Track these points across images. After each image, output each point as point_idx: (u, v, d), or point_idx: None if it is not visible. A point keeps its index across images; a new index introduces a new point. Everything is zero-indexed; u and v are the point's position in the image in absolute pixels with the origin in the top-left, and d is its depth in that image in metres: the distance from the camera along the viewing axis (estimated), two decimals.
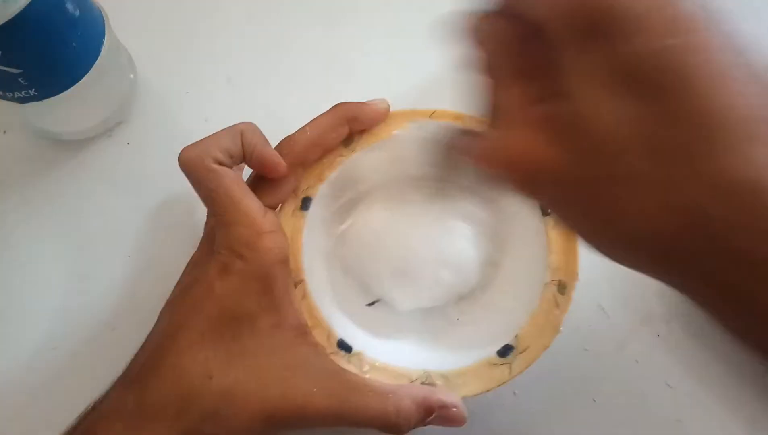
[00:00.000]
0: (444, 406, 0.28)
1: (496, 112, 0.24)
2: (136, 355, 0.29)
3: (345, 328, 0.32)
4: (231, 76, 0.41)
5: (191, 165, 0.29)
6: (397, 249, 0.33)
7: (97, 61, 0.35)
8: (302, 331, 0.29)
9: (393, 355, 0.31)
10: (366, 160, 0.33)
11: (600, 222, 0.21)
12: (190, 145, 0.29)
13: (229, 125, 0.30)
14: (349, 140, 0.33)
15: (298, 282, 0.31)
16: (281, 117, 0.35)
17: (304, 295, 0.31)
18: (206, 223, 0.34)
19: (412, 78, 0.40)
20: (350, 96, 0.37)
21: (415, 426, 0.28)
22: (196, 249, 0.34)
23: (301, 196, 0.32)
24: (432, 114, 0.33)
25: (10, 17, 0.29)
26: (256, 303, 0.28)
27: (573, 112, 0.20)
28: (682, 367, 0.34)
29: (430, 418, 0.28)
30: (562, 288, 0.31)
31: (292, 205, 0.32)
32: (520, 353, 0.30)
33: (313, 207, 0.32)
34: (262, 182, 0.31)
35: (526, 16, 0.21)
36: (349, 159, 0.33)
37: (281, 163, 0.30)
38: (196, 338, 0.27)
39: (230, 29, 0.42)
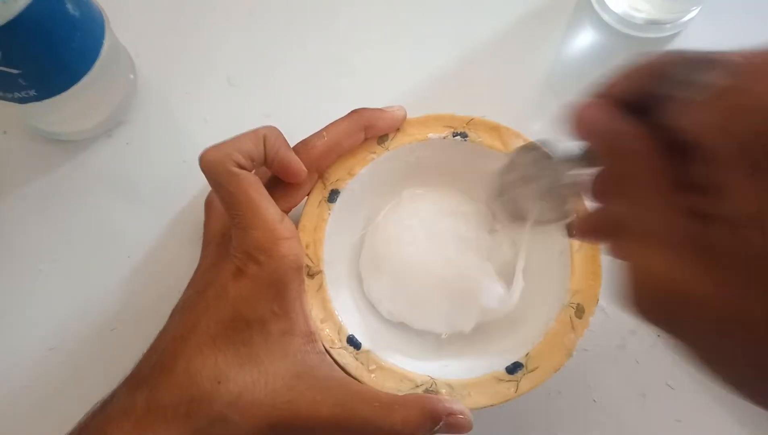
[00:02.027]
0: (452, 414, 0.28)
1: (626, 227, 0.21)
2: (147, 355, 0.29)
3: (357, 324, 0.32)
4: (231, 76, 0.41)
5: (213, 167, 0.28)
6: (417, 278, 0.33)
7: (97, 62, 0.35)
8: (311, 339, 0.29)
9: (401, 357, 0.31)
10: (398, 162, 0.34)
11: (759, 370, 0.18)
12: (213, 146, 0.29)
13: (229, 126, 0.30)
14: (383, 138, 0.33)
15: (316, 273, 0.31)
16: (281, 117, 0.35)
17: (320, 287, 0.31)
18: (206, 224, 0.34)
19: (412, 78, 0.40)
20: (350, 96, 0.37)
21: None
22: (194, 247, 0.34)
23: (330, 187, 0.32)
24: (469, 121, 0.33)
25: (10, 18, 0.29)
26: (269, 309, 0.28)
27: (753, 246, 0.17)
28: (682, 367, 0.34)
29: (438, 426, 0.28)
30: (580, 312, 0.31)
31: (319, 196, 0.32)
32: (529, 372, 0.30)
33: (341, 200, 0.32)
34: (277, 186, 0.31)
35: (678, 128, 0.19)
36: (382, 157, 0.33)
37: (303, 169, 0.30)
38: (207, 342, 0.27)
39: (230, 29, 0.42)
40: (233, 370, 0.27)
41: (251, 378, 0.27)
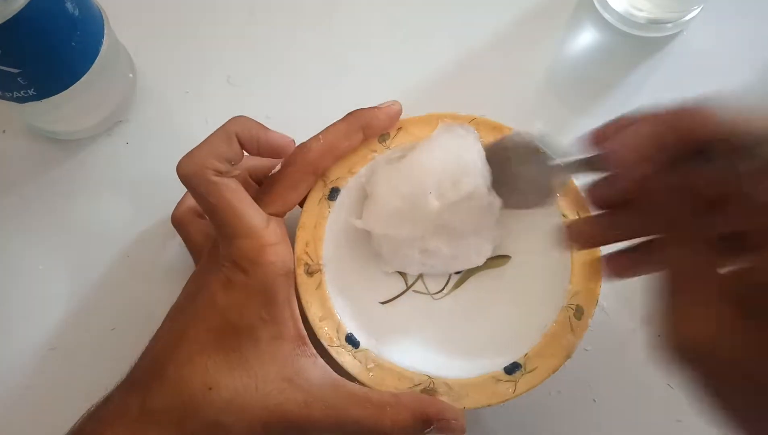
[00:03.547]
0: (443, 419, 0.28)
1: (670, 273, 0.24)
2: (140, 360, 0.29)
3: (356, 323, 0.32)
4: (231, 76, 0.40)
5: (191, 179, 0.28)
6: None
7: (97, 61, 0.35)
8: (302, 343, 0.29)
9: (399, 356, 0.31)
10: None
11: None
12: (186, 156, 0.29)
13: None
14: (384, 136, 0.33)
15: (316, 271, 0.31)
16: (281, 116, 0.35)
17: (320, 285, 0.31)
18: (186, 241, 0.34)
19: (412, 77, 0.40)
20: (350, 95, 0.37)
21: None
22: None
23: (330, 185, 0.32)
24: (471, 121, 0.33)
25: (9, 17, 0.29)
26: (257, 315, 0.28)
27: None
28: None
29: (429, 429, 0.28)
30: (579, 313, 0.30)
31: (320, 194, 0.32)
32: (528, 373, 0.30)
33: (341, 198, 0.32)
34: (269, 191, 0.31)
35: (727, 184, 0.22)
36: (383, 155, 0.33)
37: (289, 140, 0.30)
38: (197, 349, 0.28)
39: (230, 29, 0.42)
40: (224, 375, 0.27)
41: (242, 383, 0.27)
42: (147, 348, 0.29)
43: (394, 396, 0.29)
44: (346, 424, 0.28)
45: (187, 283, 0.31)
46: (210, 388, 0.27)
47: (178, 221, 0.34)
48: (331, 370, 0.29)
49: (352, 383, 0.29)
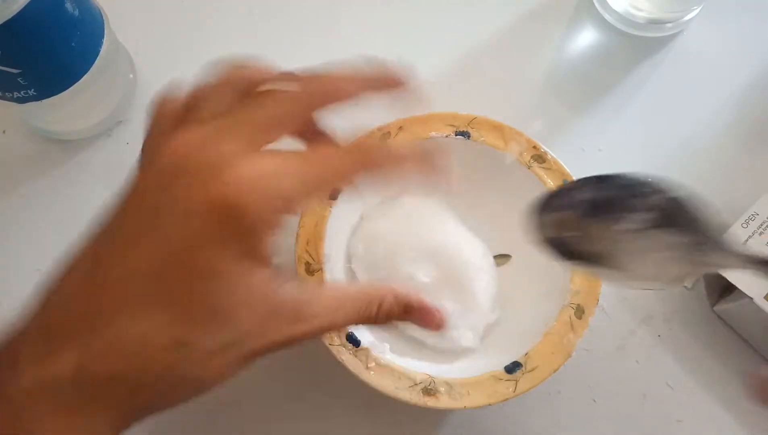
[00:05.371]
0: (423, 309, 0.26)
1: None
2: (53, 296, 0.22)
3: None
4: None
5: None
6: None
7: (97, 61, 0.35)
8: (275, 274, 0.22)
9: (399, 356, 0.31)
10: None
11: None
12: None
13: None
14: (386, 136, 0.33)
15: (317, 270, 0.31)
16: None
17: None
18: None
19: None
20: None
21: (393, 320, 0.25)
22: None
23: None
24: (472, 120, 0.33)
25: (9, 17, 0.29)
26: (227, 252, 0.21)
27: None
28: (682, 367, 0.34)
29: (409, 316, 0.26)
30: (580, 312, 0.31)
31: None
32: (528, 372, 0.30)
33: (342, 198, 0.33)
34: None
35: None
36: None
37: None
38: (152, 295, 0.20)
39: (230, 29, 0.42)
40: (196, 328, 0.20)
41: (219, 337, 0.21)
42: (64, 279, 0.22)
43: (370, 284, 0.27)
44: (337, 323, 0.24)
45: (133, 186, 0.24)
46: (185, 345, 0.20)
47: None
48: (306, 283, 0.29)
49: (330, 285, 0.29)
